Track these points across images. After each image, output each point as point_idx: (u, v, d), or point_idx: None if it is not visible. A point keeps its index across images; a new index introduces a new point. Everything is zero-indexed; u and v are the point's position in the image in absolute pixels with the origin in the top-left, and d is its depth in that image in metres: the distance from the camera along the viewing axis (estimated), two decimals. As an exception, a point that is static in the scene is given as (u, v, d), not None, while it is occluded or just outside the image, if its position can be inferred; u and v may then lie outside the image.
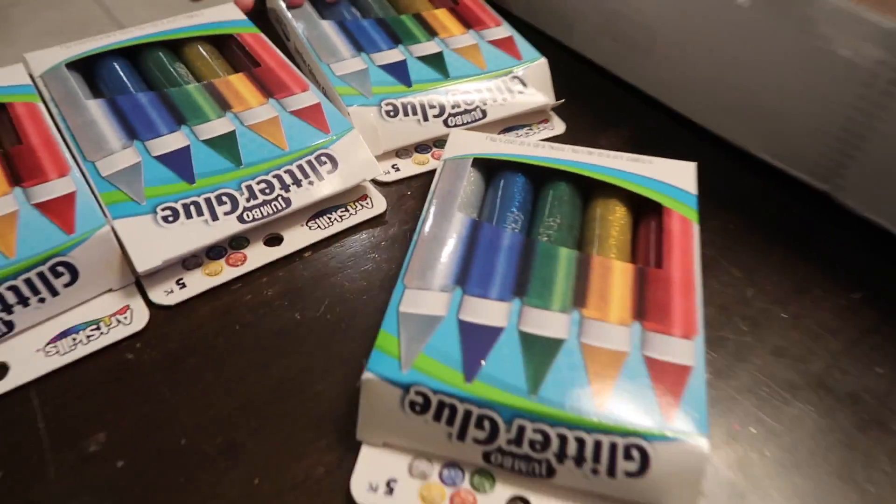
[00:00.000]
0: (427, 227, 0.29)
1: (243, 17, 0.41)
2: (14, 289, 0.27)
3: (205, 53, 0.38)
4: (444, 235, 0.29)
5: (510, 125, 0.40)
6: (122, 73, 0.36)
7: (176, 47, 0.39)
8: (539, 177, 0.33)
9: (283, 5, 0.43)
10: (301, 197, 0.32)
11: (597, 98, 0.42)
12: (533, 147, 0.34)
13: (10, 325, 0.27)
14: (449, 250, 0.28)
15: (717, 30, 0.35)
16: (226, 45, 0.40)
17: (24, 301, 0.27)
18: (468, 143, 0.34)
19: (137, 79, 0.36)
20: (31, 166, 0.30)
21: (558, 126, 0.40)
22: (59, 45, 0.37)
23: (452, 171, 0.32)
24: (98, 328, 0.28)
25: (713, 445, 0.25)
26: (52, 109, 0.34)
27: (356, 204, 0.34)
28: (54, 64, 0.36)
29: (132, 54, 0.38)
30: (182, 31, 0.39)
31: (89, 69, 0.37)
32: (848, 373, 0.28)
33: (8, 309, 0.27)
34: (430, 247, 0.28)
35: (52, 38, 1.50)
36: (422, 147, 0.38)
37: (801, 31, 0.32)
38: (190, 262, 0.31)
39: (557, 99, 0.40)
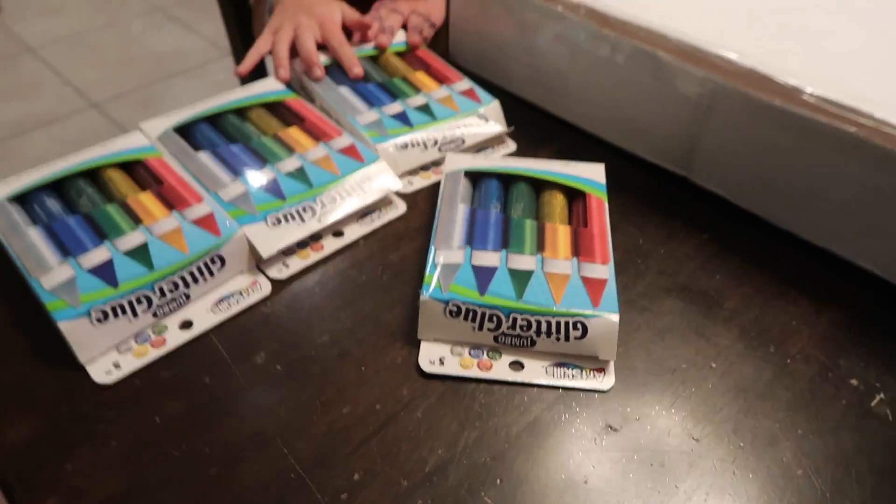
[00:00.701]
0: (442, 214, 0.47)
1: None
2: (190, 273, 0.43)
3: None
4: (454, 217, 0.46)
5: (481, 147, 0.58)
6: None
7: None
8: (507, 179, 0.51)
9: (306, 77, 0.60)
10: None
11: (533, 125, 0.60)
12: (500, 160, 0.52)
13: (188, 297, 0.43)
14: (458, 225, 0.45)
15: (605, 77, 0.54)
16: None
17: (195, 280, 0.43)
18: (459, 162, 0.51)
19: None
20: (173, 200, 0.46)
21: (511, 146, 0.58)
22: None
23: (452, 180, 0.49)
24: (241, 294, 0.44)
25: (621, 321, 0.43)
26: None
27: (385, 208, 0.51)
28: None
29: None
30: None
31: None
32: (700, 280, 0.47)
33: (187, 286, 0.43)
34: (446, 224, 0.46)
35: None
36: (425, 167, 0.55)
37: (654, 78, 0.51)
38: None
39: (508, 127, 0.58)
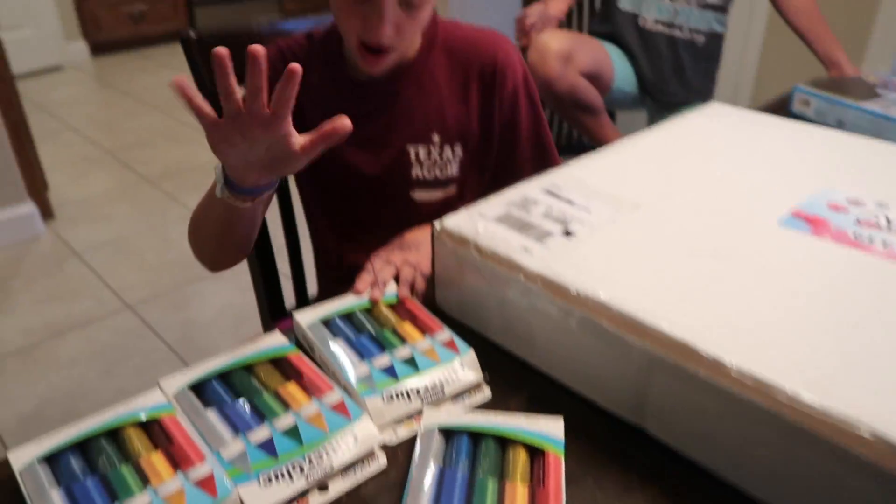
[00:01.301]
0: (415, 474, 0.52)
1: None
2: (188, 533, 0.48)
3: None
4: (423, 477, 0.52)
5: (459, 394, 0.64)
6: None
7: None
8: (476, 436, 0.57)
9: (307, 331, 0.68)
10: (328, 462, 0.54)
11: (508, 371, 0.67)
12: (471, 416, 0.58)
13: (184, 556, 0.48)
14: (427, 488, 0.51)
15: (562, 335, 0.62)
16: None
17: (192, 540, 0.49)
18: (435, 417, 0.58)
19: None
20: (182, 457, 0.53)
21: (487, 392, 0.65)
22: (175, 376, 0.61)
23: (427, 438, 0.56)
24: (232, 552, 0.49)
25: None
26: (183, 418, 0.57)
27: (368, 461, 0.57)
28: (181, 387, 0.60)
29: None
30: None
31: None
32: (651, 535, 0.51)
33: (184, 546, 0.48)
34: (416, 487, 0.51)
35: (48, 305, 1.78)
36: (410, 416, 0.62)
37: (601, 341, 0.58)
38: None
39: (484, 374, 0.65)
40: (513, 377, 0.67)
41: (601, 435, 0.60)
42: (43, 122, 3.35)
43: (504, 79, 0.94)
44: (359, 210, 1.02)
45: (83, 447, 0.55)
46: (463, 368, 0.65)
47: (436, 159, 0.96)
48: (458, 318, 0.74)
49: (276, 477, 0.53)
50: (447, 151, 0.96)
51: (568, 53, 1.58)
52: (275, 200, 1.09)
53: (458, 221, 0.71)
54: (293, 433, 0.56)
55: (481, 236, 0.68)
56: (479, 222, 0.71)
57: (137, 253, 2.36)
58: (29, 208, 2.39)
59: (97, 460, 0.54)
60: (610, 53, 1.72)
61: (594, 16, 1.75)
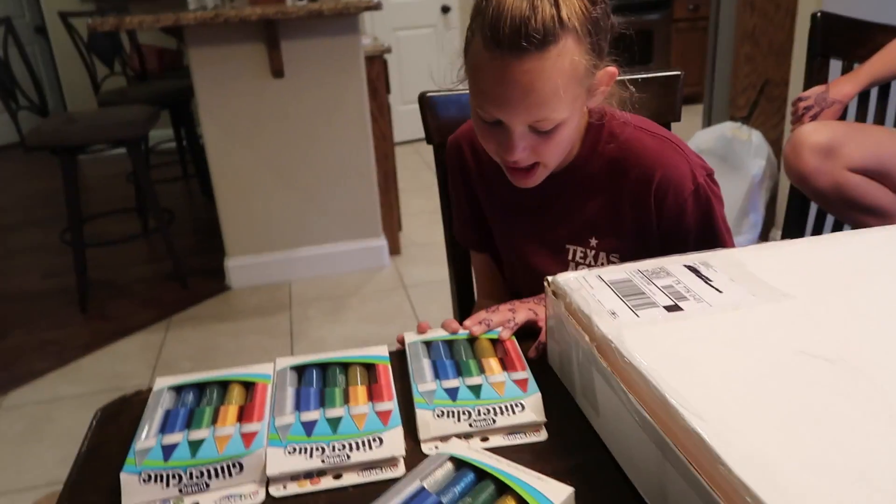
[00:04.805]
0: (399, 482, 0.55)
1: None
2: (216, 468, 0.59)
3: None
4: (402, 490, 0.54)
5: (513, 431, 0.64)
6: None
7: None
8: (482, 475, 0.57)
9: (407, 347, 0.75)
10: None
11: (572, 426, 0.64)
12: (480, 455, 0.58)
13: (207, 486, 0.59)
14: (400, 497, 0.53)
15: (614, 407, 0.57)
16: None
17: (218, 475, 0.59)
18: (453, 446, 0.59)
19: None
20: (248, 414, 0.64)
21: (543, 434, 0.64)
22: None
23: (435, 458, 0.57)
24: (241, 498, 0.58)
25: None
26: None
27: (388, 467, 0.61)
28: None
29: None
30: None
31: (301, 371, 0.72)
32: None
33: (210, 477, 0.59)
34: (392, 493, 0.54)
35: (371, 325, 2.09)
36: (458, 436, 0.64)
37: (632, 416, 0.53)
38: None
39: (542, 419, 0.64)
40: (578, 441, 0.64)
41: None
42: (424, 177, 3.98)
43: (664, 195, 0.87)
44: (522, 292, 1.04)
45: (202, 387, 0.70)
46: (522, 407, 0.65)
47: (591, 262, 0.94)
48: (560, 376, 0.73)
49: (301, 451, 0.60)
50: (602, 257, 0.93)
51: (830, 146, 1.34)
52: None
53: (569, 278, 0.71)
54: (334, 422, 0.63)
55: (579, 293, 0.67)
56: (591, 281, 0.69)
57: (448, 296, 2.64)
58: (381, 242, 2.86)
59: (203, 399, 0.68)
60: None
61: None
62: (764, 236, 2.49)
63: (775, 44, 2.52)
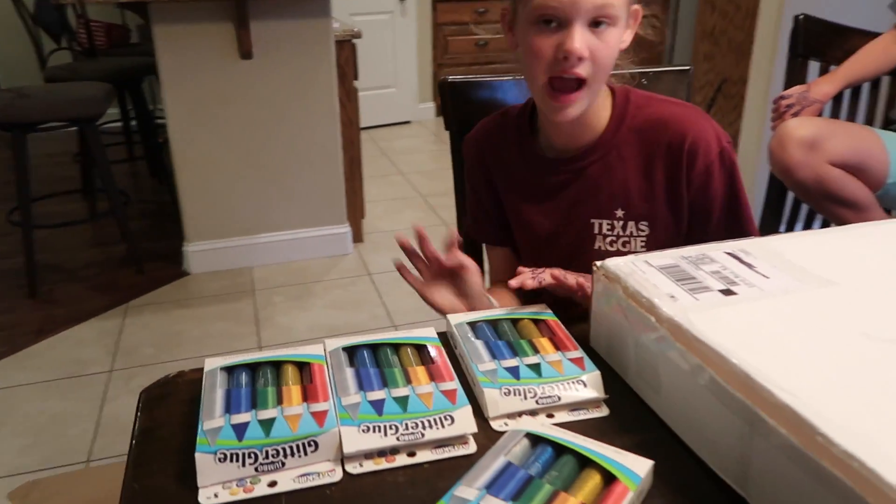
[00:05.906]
0: (485, 459, 0.56)
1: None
2: (292, 447, 0.58)
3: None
4: (489, 465, 0.55)
5: (576, 408, 0.66)
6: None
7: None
8: (561, 449, 0.58)
9: (454, 328, 0.76)
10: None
11: (627, 404, 0.67)
12: (555, 430, 0.60)
13: (283, 464, 0.58)
14: (488, 472, 0.54)
15: (684, 388, 0.60)
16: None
17: (293, 454, 0.58)
18: (526, 423, 0.61)
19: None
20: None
21: (605, 410, 0.66)
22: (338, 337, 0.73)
23: (512, 435, 0.59)
24: (319, 475, 0.58)
25: None
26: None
27: (459, 445, 0.62)
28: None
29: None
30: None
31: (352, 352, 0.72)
32: None
33: (285, 456, 0.58)
34: (480, 468, 0.55)
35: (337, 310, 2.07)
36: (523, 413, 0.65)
37: (711, 392, 0.56)
38: (369, 455, 0.60)
39: (604, 395, 0.66)
40: (636, 419, 0.66)
41: (695, 492, 0.57)
42: (379, 164, 3.96)
43: (694, 158, 0.93)
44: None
45: (253, 368, 0.69)
46: (584, 385, 0.67)
47: (619, 233, 0.98)
48: (605, 358, 0.75)
49: (374, 430, 0.61)
50: (630, 227, 0.97)
51: (814, 141, 1.43)
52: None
53: (619, 263, 0.73)
54: (402, 401, 0.64)
55: (633, 277, 0.69)
56: (641, 266, 0.72)
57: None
58: (345, 229, 2.84)
59: (258, 379, 0.67)
60: (887, 145, 1.50)
61: (894, 105, 1.55)
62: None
63: (734, 43, 2.61)
